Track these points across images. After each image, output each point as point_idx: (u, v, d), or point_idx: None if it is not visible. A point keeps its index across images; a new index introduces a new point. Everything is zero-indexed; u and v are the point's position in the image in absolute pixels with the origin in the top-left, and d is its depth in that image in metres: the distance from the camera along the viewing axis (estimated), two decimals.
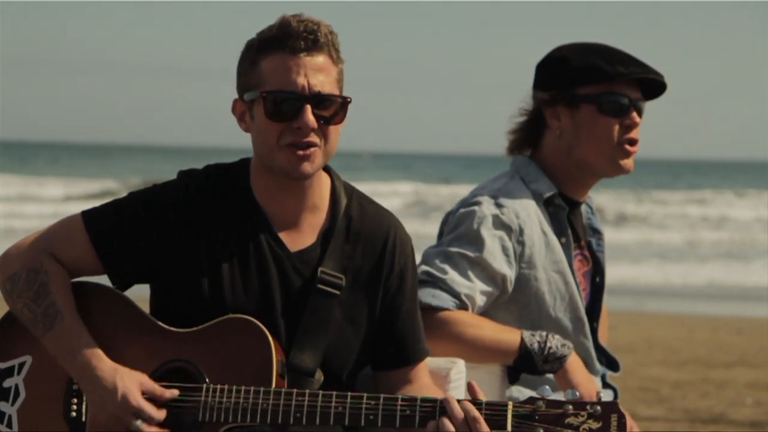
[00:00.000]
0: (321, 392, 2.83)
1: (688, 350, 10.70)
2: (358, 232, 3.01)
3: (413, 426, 2.79)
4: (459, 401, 2.78)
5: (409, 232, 3.14)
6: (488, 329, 3.38)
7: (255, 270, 2.94)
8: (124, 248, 2.95)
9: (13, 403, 2.97)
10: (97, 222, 2.96)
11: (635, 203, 34.79)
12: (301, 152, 2.88)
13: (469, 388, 2.80)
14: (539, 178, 3.55)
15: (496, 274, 3.43)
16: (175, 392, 2.85)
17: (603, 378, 3.73)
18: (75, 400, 2.92)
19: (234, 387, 2.83)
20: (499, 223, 3.45)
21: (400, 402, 2.80)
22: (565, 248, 3.55)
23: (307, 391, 2.83)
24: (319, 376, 2.95)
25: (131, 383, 2.83)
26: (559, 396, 2.79)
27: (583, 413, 2.69)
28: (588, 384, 3.36)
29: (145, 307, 3.02)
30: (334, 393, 2.82)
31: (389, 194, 34.60)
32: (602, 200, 34.55)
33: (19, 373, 2.98)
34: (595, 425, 2.69)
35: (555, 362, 3.35)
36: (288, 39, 2.87)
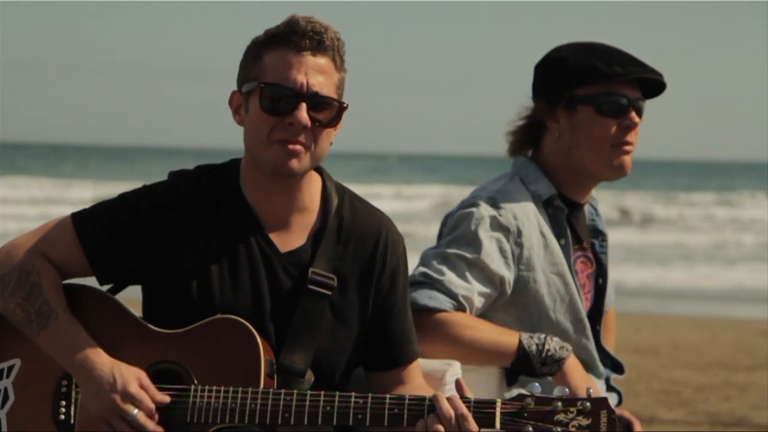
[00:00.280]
0: (309, 392, 2.82)
1: (712, 353, 10.61)
2: (350, 233, 2.99)
3: (402, 425, 2.78)
4: (447, 399, 2.76)
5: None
6: (486, 331, 3.35)
7: (245, 271, 2.93)
8: (112, 250, 2.95)
9: (2, 407, 2.97)
10: (87, 224, 2.96)
11: (663, 205, 34.62)
12: (290, 147, 2.86)
13: (457, 386, 2.79)
14: (539, 180, 3.53)
15: (494, 276, 3.41)
16: (167, 398, 2.84)
17: (607, 381, 3.70)
18: (63, 403, 2.92)
19: (222, 388, 2.83)
20: (497, 225, 3.43)
21: (388, 401, 2.78)
22: (565, 250, 3.52)
23: (295, 391, 2.82)
24: (310, 376, 2.93)
25: (130, 375, 2.84)
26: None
27: (572, 410, 2.66)
28: (586, 387, 3.21)
29: (137, 308, 3.02)
30: (322, 393, 2.81)
31: (417, 196, 34.60)
32: (629, 201, 34.44)
33: (8, 377, 2.97)
34: (584, 422, 2.66)
35: (553, 365, 3.32)
36: (294, 36, 2.88)
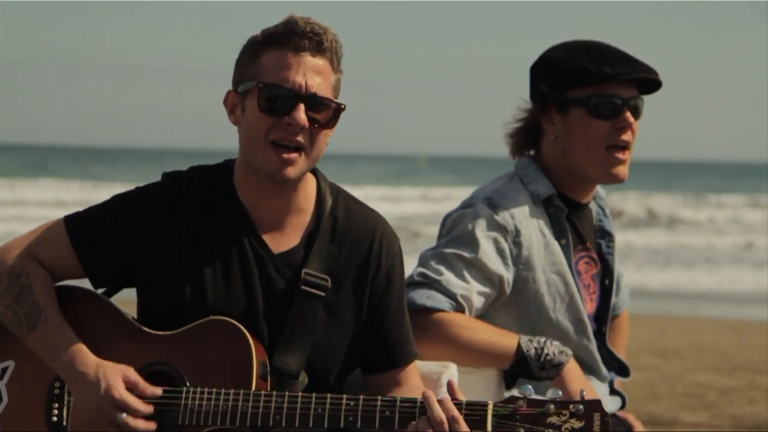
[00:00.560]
0: (300, 394, 2.81)
1: (738, 356, 10.54)
2: (344, 233, 2.98)
3: (393, 427, 2.76)
4: (439, 401, 2.74)
5: None
6: (484, 332, 3.32)
7: (237, 272, 2.93)
8: (105, 253, 2.94)
9: None
10: (79, 227, 2.96)
11: (692, 206, 34.42)
12: (285, 155, 2.86)
13: (449, 388, 2.76)
14: (538, 179, 3.50)
15: (492, 275, 3.38)
16: (158, 390, 2.83)
17: (611, 384, 3.67)
18: (56, 405, 2.92)
19: (214, 390, 2.82)
20: (494, 225, 3.41)
21: (379, 403, 2.77)
22: (565, 250, 3.49)
23: (287, 393, 2.81)
24: (303, 378, 2.92)
25: (115, 376, 2.83)
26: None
27: (565, 412, 2.64)
28: (585, 393, 3.23)
29: (132, 309, 3.01)
30: (314, 395, 2.80)
31: (444, 198, 34.51)
32: (655, 202, 34.27)
33: (1, 378, 2.98)
34: (577, 424, 2.64)
35: (551, 369, 3.28)
36: (293, 37, 2.87)
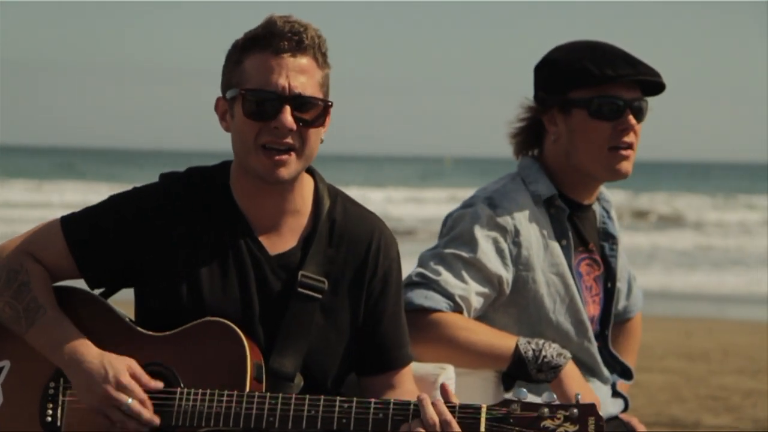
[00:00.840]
0: (294, 396, 2.80)
1: (763, 359, 10.48)
2: (342, 235, 2.97)
3: (386, 429, 2.75)
4: (432, 403, 2.72)
5: None
6: (482, 333, 3.31)
7: (234, 274, 2.92)
8: (100, 253, 2.94)
9: None
10: (75, 227, 2.96)
11: (721, 208, 34.21)
12: (276, 157, 2.85)
13: (442, 391, 2.75)
14: (539, 180, 3.48)
15: (491, 275, 3.36)
16: (160, 384, 2.83)
17: (613, 386, 3.63)
18: (50, 405, 2.92)
19: (208, 391, 2.81)
20: (494, 224, 3.39)
21: (373, 405, 2.76)
22: (566, 251, 3.47)
23: (280, 394, 2.80)
24: (299, 380, 2.91)
25: (120, 365, 2.83)
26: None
27: (559, 416, 2.61)
28: (583, 396, 3.18)
29: (130, 309, 3.01)
30: (307, 396, 2.79)
31: None
32: (682, 204, 34.11)
33: None
34: (571, 428, 2.62)
35: (549, 371, 3.26)
36: (272, 39, 2.86)
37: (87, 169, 54.70)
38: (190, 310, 2.89)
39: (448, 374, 3.18)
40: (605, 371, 3.54)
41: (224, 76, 2.93)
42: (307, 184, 2.98)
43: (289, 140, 2.85)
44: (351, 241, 2.96)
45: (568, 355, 3.29)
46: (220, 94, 2.94)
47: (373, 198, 34.53)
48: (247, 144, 2.87)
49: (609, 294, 3.60)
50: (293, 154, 2.86)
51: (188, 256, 2.91)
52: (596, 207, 3.61)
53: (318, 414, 2.76)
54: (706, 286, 17.87)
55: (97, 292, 3.03)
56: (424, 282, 3.33)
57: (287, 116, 2.84)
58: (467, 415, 2.69)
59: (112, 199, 2.99)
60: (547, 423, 2.61)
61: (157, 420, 2.81)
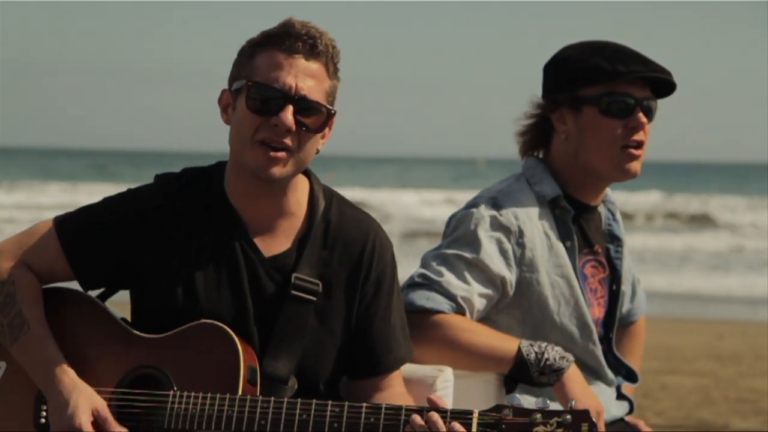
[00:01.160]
0: (286, 399, 2.78)
1: None
2: (336, 237, 2.95)
3: None
4: (423, 409, 2.70)
5: None
6: (484, 335, 3.27)
7: (227, 275, 2.91)
8: (94, 255, 2.93)
9: None
10: (69, 228, 2.95)
11: (756, 209, 33.94)
12: (272, 153, 2.83)
13: (430, 402, 2.71)
14: (544, 180, 3.45)
15: (494, 276, 3.34)
16: (125, 431, 2.81)
17: (618, 389, 3.60)
18: (44, 407, 2.91)
19: (200, 394, 2.80)
20: (497, 225, 3.36)
21: (364, 410, 2.74)
22: (570, 252, 3.44)
23: (272, 398, 2.78)
24: (293, 383, 2.90)
25: (84, 404, 2.81)
26: (556, 407, 2.71)
27: (552, 422, 2.58)
28: (586, 399, 3.20)
29: (126, 310, 3.00)
30: (299, 400, 2.77)
31: None
32: (717, 205, 33.89)
33: None
34: None
35: (552, 375, 3.22)
36: (287, 38, 2.85)
37: (119, 170, 55.03)
38: (185, 311, 2.87)
39: (446, 376, 3.14)
40: (609, 374, 3.50)
41: (233, 68, 2.92)
42: (302, 185, 2.96)
43: (286, 140, 2.83)
44: (346, 242, 2.94)
45: (571, 358, 3.25)
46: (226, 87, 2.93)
47: (405, 200, 34.50)
48: (244, 138, 2.85)
49: (614, 296, 3.56)
50: (288, 155, 2.84)
51: (183, 257, 2.90)
52: (601, 209, 3.58)
53: (309, 418, 2.74)
54: (739, 288, 17.70)
55: (95, 293, 3.01)
56: (426, 283, 3.30)
57: (288, 115, 2.82)
58: (458, 420, 2.65)
59: (107, 200, 2.98)
60: (540, 429, 2.57)
61: None
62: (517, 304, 3.38)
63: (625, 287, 3.62)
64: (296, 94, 2.83)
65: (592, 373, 3.44)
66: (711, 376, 9.49)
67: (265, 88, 2.83)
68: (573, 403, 2.63)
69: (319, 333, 2.91)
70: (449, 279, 3.29)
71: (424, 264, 3.36)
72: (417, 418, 2.68)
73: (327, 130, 2.90)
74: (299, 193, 2.95)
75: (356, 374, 2.97)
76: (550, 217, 3.43)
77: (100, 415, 2.81)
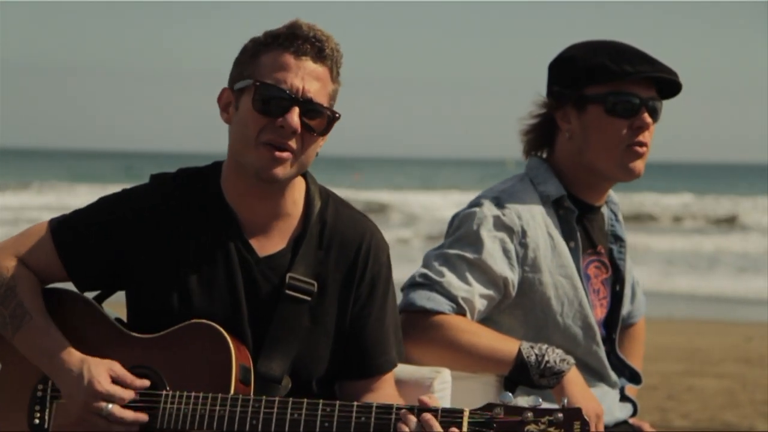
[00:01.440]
0: (278, 399, 2.78)
1: None
2: (332, 237, 2.94)
3: None
4: (414, 409, 2.69)
5: None
6: (484, 337, 3.24)
7: (222, 275, 2.90)
8: (89, 256, 2.93)
9: None
10: (63, 229, 2.95)
11: None
12: (277, 153, 2.82)
13: (422, 404, 2.69)
14: (548, 180, 3.43)
15: (496, 277, 3.31)
16: (146, 382, 2.82)
17: (622, 390, 3.57)
18: (38, 407, 2.91)
19: (192, 393, 2.80)
20: (500, 225, 3.33)
21: (355, 409, 2.72)
22: (574, 253, 3.41)
23: (264, 398, 2.77)
24: (287, 382, 2.89)
25: (99, 370, 2.81)
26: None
27: (543, 420, 2.55)
28: (585, 402, 3.16)
29: (122, 310, 3.00)
30: (290, 400, 2.76)
31: None
32: (747, 206, 33.66)
33: None
34: None
35: (552, 377, 3.19)
36: (296, 40, 2.84)
37: (146, 171, 55.35)
38: (179, 311, 2.87)
39: (443, 378, 3.12)
40: (613, 375, 3.47)
41: (236, 67, 2.90)
42: (299, 186, 2.95)
43: (290, 142, 2.82)
44: (341, 243, 2.93)
45: (572, 360, 3.22)
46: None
47: (431, 202, 34.43)
48: (248, 138, 2.83)
49: (617, 297, 3.53)
50: (291, 157, 2.83)
51: (178, 257, 2.89)
52: (604, 209, 3.55)
53: (301, 417, 2.73)
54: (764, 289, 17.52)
55: (91, 294, 3.01)
56: (427, 283, 3.27)
57: (294, 117, 2.81)
58: (450, 418, 2.63)
59: (102, 201, 2.97)
60: (531, 427, 2.54)
61: (143, 417, 2.79)
62: (520, 305, 3.35)
63: (626, 289, 3.59)
64: (303, 96, 2.82)
65: (595, 374, 3.41)
66: (738, 379, 9.43)
67: (272, 88, 2.81)
68: (565, 401, 2.60)
69: (313, 333, 2.90)
70: (450, 279, 3.26)
71: (426, 264, 3.33)
72: (410, 416, 2.67)
73: (328, 133, 2.89)
74: (296, 193, 2.94)
75: (348, 375, 2.96)
76: (554, 217, 3.41)
77: (117, 373, 2.81)
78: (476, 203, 3.39)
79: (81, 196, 35.07)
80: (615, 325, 3.52)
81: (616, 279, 3.53)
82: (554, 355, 3.20)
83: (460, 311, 3.25)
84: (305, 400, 2.75)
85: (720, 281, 18.46)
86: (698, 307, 15.60)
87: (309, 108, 2.82)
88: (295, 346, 2.88)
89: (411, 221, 30.28)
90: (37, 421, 2.89)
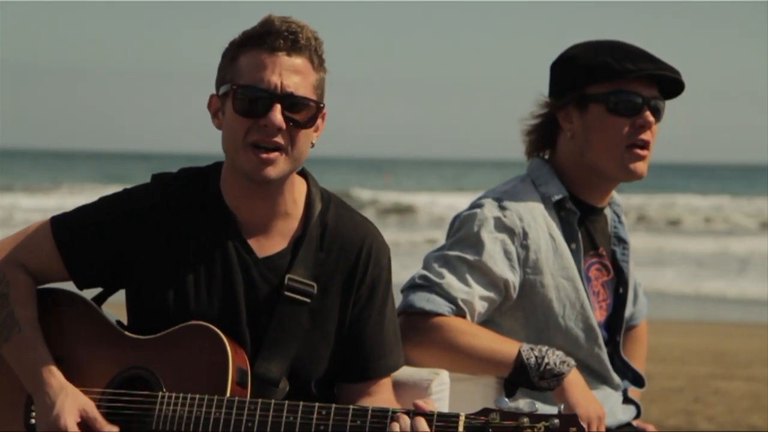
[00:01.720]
0: (274, 402, 2.77)
1: None
2: (333, 240, 2.93)
3: None
4: (410, 413, 2.67)
5: None
6: (484, 338, 3.23)
7: (220, 276, 2.89)
8: (89, 254, 2.92)
9: None
10: (64, 228, 2.95)
11: None
12: (264, 155, 2.82)
13: (417, 407, 2.68)
14: (550, 181, 3.41)
15: (497, 279, 3.29)
16: (115, 429, 2.81)
17: (624, 393, 3.54)
18: (34, 407, 2.90)
19: (188, 395, 2.79)
20: (501, 226, 3.32)
21: (351, 412, 2.71)
22: (575, 254, 3.39)
23: (260, 400, 2.77)
24: (285, 385, 2.88)
25: (70, 405, 2.80)
26: (549, 411, 2.65)
27: (539, 426, 2.54)
28: (586, 404, 3.14)
29: (121, 311, 3.00)
30: (286, 403, 2.75)
31: None
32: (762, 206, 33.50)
33: None
34: None
35: (552, 379, 3.17)
36: (268, 37, 2.84)
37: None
38: (177, 312, 2.86)
39: (441, 380, 3.10)
40: (616, 378, 3.44)
41: (219, 72, 2.91)
42: (299, 187, 2.94)
43: (277, 139, 2.82)
44: (342, 245, 2.92)
45: (572, 362, 3.20)
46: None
47: (460, 203, 34.35)
48: (236, 142, 2.84)
49: (621, 299, 3.51)
50: (281, 154, 2.83)
51: (177, 257, 2.89)
52: (607, 211, 3.53)
53: (296, 420, 2.72)
54: None
55: (92, 295, 3.00)
56: (427, 285, 3.25)
57: (277, 114, 2.80)
58: (445, 424, 2.61)
59: (103, 200, 2.97)
60: None
61: None
62: (521, 307, 3.33)
63: (629, 291, 3.56)
64: (282, 91, 2.81)
65: (597, 377, 3.39)
66: (765, 382, 9.37)
67: (250, 89, 2.82)
68: (561, 407, 2.58)
69: (312, 335, 2.89)
70: (450, 281, 3.24)
71: (426, 265, 3.32)
72: (404, 417, 2.65)
73: (320, 122, 2.88)
74: (296, 193, 2.93)
75: (345, 378, 2.95)
76: (556, 219, 3.39)
77: (88, 415, 2.79)
78: (477, 204, 3.37)
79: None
80: (618, 327, 3.49)
81: (619, 281, 3.51)
82: (554, 357, 3.17)
83: (459, 313, 3.24)
84: (301, 403, 2.74)
85: (751, 284, 18.34)
86: (726, 310, 15.52)
87: (291, 102, 2.82)
88: (293, 348, 2.87)
89: (438, 223, 30.22)
90: (33, 420, 2.88)
